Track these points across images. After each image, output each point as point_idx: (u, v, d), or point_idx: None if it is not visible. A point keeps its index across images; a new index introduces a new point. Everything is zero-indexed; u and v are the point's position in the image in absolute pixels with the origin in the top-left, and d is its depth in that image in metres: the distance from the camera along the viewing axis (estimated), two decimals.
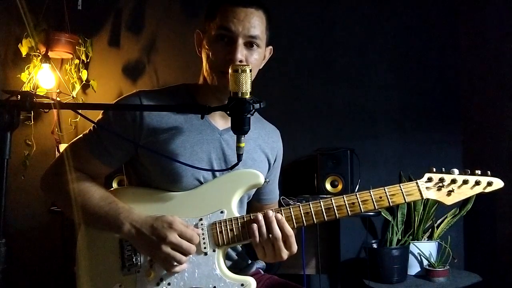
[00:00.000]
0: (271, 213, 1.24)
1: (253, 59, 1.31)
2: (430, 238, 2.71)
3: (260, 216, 1.24)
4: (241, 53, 1.28)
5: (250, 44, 1.30)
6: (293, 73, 3.02)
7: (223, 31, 1.28)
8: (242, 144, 1.17)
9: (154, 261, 1.26)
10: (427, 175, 1.28)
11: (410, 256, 2.62)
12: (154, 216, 1.25)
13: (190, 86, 1.43)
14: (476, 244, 2.78)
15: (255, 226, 1.23)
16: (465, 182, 1.26)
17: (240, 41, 1.28)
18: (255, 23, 1.29)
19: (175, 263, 1.22)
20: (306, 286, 2.73)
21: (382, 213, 2.67)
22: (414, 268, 2.64)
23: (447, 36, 2.92)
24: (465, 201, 2.69)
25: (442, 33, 2.92)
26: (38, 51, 2.94)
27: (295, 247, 1.25)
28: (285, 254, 1.24)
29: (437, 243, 2.67)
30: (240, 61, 1.27)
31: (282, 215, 1.25)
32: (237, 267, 1.42)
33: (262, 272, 1.54)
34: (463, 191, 1.27)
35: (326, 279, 2.87)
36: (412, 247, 2.62)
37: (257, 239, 1.23)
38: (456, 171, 1.28)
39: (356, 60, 2.97)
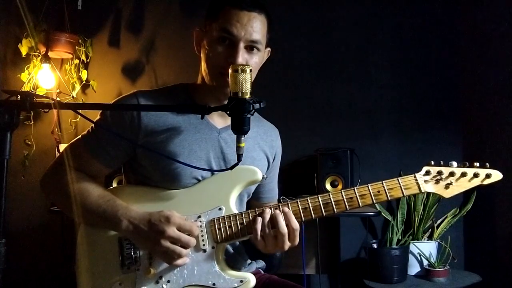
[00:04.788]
0: (277, 211, 1.24)
1: (253, 62, 1.31)
2: (430, 238, 2.71)
3: (268, 210, 1.25)
4: (242, 56, 1.28)
5: (250, 47, 1.30)
6: (293, 73, 3.02)
7: (225, 33, 1.28)
8: (242, 144, 1.17)
9: (154, 256, 1.27)
10: (425, 168, 1.27)
11: (410, 256, 2.62)
12: (150, 212, 1.25)
13: (188, 85, 1.43)
14: (476, 244, 2.78)
15: (259, 219, 1.23)
16: (463, 174, 1.25)
17: (242, 45, 1.28)
18: (257, 28, 1.29)
19: (176, 257, 1.22)
20: (306, 286, 2.73)
21: (382, 213, 2.67)
22: (414, 268, 2.64)
23: (447, 36, 2.92)
24: (465, 201, 2.70)
25: (442, 33, 2.92)
26: (38, 51, 2.94)
27: (297, 240, 1.25)
28: (287, 246, 1.24)
29: (437, 243, 2.67)
30: None
31: (289, 208, 1.26)
32: (237, 266, 1.42)
33: (262, 272, 1.54)
34: (462, 184, 1.26)
35: (326, 279, 2.87)
36: (412, 247, 2.62)
37: (259, 233, 1.23)
38: (454, 163, 1.26)
39: (356, 60, 2.97)
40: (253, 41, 1.29)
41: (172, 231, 1.21)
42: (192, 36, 1.39)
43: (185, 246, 1.23)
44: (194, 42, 1.39)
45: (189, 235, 1.24)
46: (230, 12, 1.29)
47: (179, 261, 1.23)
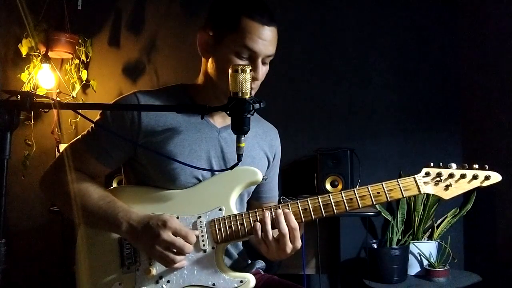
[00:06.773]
0: (279, 210, 1.24)
1: (264, 71, 1.34)
2: (430, 238, 2.71)
3: (267, 213, 1.24)
4: (261, 71, 1.30)
5: (265, 59, 1.32)
6: (293, 73, 3.02)
7: (246, 49, 1.27)
8: (242, 144, 1.17)
9: (152, 259, 1.27)
10: (424, 170, 1.27)
11: (410, 256, 2.62)
12: (151, 215, 1.25)
13: (188, 86, 1.43)
14: (476, 244, 2.78)
15: (259, 225, 1.23)
16: (462, 176, 1.25)
17: (260, 60, 1.30)
18: (274, 41, 1.31)
19: (170, 261, 1.22)
20: (306, 286, 2.73)
21: (382, 213, 2.67)
22: (414, 268, 2.64)
23: (447, 36, 2.92)
24: (465, 201, 2.70)
25: (442, 33, 2.92)
26: (38, 51, 2.94)
27: (299, 242, 1.24)
28: (289, 248, 1.22)
29: (437, 243, 2.67)
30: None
31: (289, 209, 1.26)
32: (237, 266, 1.42)
33: (262, 272, 1.54)
34: (461, 185, 1.26)
35: (326, 279, 2.87)
36: (412, 247, 2.62)
37: (260, 236, 1.22)
38: (454, 165, 1.26)
39: (356, 60, 2.97)
40: (270, 55, 1.32)
41: (167, 235, 1.21)
42: (194, 37, 1.38)
43: (179, 251, 1.22)
44: (198, 44, 1.36)
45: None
46: (251, 27, 1.26)
47: (177, 265, 1.23)
